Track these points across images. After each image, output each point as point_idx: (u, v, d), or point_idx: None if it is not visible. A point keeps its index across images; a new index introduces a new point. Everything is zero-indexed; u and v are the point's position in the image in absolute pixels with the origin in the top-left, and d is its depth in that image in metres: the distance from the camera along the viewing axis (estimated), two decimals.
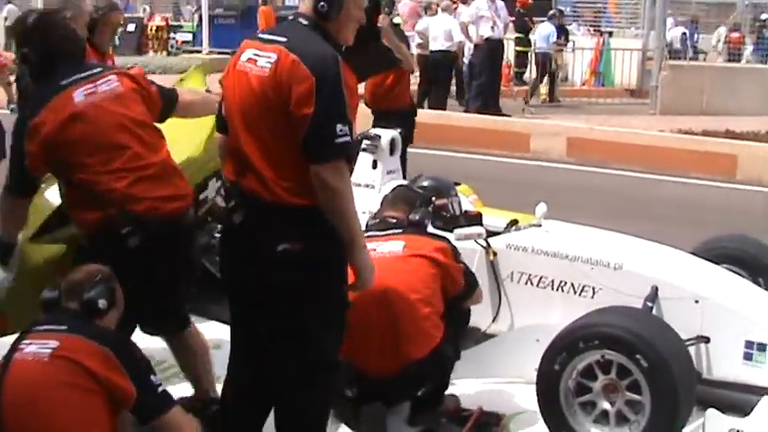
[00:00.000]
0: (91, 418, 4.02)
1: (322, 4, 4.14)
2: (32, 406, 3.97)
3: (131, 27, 29.98)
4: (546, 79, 21.01)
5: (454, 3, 19.56)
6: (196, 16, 30.85)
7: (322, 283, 4.21)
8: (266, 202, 4.09)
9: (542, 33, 21.13)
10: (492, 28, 17.34)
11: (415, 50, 20.75)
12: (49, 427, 3.97)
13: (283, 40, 4.11)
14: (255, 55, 4.15)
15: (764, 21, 26.41)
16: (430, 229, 5.81)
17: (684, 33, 25.09)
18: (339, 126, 3.98)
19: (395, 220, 5.50)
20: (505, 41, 18.89)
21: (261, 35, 4.27)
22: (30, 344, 4.11)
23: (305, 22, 4.20)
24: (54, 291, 4.39)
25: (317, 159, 3.98)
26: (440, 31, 18.10)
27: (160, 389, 4.24)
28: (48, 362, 4.02)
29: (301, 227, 4.09)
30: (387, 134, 7.05)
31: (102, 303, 4.32)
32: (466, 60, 18.56)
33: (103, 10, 6.78)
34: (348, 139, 4.02)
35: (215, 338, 5.94)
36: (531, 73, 21.23)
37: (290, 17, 4.31)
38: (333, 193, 4.01)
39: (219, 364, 4.96)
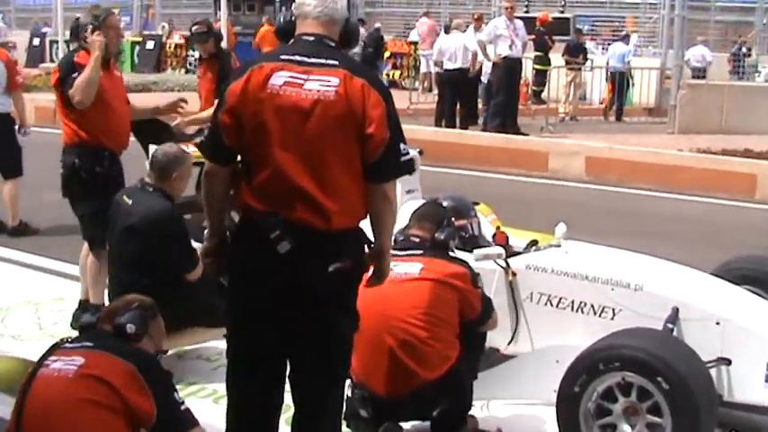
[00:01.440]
0: None
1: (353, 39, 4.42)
2: (54, 422, 3.98)
3: (150, 45, 30.14)
4: (574, 96, 21.05)
5: (478, 20, 19.64)
6: None
7: (353, 298, 4.33)
8: (319, 231, 4.10)
9: (617, 52, 21.23)
10: (510, 47, 17.32)
11: (432, 69, 20.99)
12: None
13: (335, 62, 4.13)
14: (294, 77, 4.10)
15: None
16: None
17: (736, 54, 25.04)
18: (402, 146, 4.20)
19: (418, 240, 5.48)
20: (524, 60, 18.85)
21: (288, 57, 4.17)
22: (56, 360, 4.14)
23: (332, 44, 4.25)
24: (93, 315, 4.41)
25: (386, 178, 4.21)
26: (453, 50, 18.22)
27: (183, 407, 4.26)
28: (72, 378, 4.04)
29: (348, 245, 4.21)
30: None
31: (130, 328, 4.34)
32: (484, 79, 18.58)
33: (102, 15, 6.88)
34: (410, 156, 4.26)
35: None
36: (549, 91, 21.20)
37: (308, 38, 4.24)
38: (390, 205, 4.27)
39: None
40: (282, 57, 4.19)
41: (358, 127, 4.07)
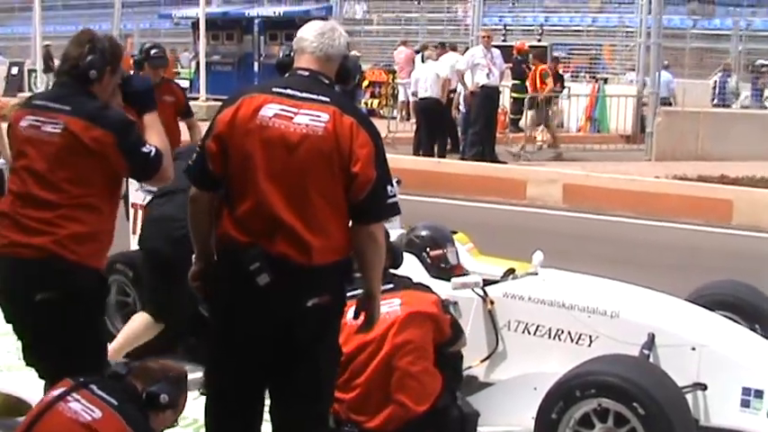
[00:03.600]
0: None
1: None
2: None
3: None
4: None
5: (450, 49, 19.82)
6: (193, 63, 31.00)
7: (336, 327, 4.36)
8: (299, 265, 4.11)
9: (661, 81, 21.59)
10: (488, 75, 17.44)
11: (410, 98, 21.10)
12: None
13: (327, 99, 4.16)
14: (285, 110, 4.13)
15: (760, 67, 26.67)
16: (416, 267, 5.97)
17: (716, 81, 25.20)
18: (389, 187, 4.20)
19: None
20: (502, 88, 18.96)
21: (280, 90, 4.21)
22: (77, 400, 4.15)
23: (326, 81, 4.28)
24: (124, 367, 4.39)
25: (373, 219, 4.20)
26: (426, 79, 18.37)
27: None
28: (82, 426, 4.05)
29: (328, 280, 4.20)
30: None
31: (163, 399, 4.33)
32: (462, 108, 18.66)
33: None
34: (396, 198, 4.25)
35: None
36: (526, 119, 21.30)
37: (303, 73, 4.28)
38: (379, 248, 4.25)
39: None
40: (275, 89, 4.23)
41: (343, 165, 4.09)
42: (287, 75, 4.36)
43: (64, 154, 4.62)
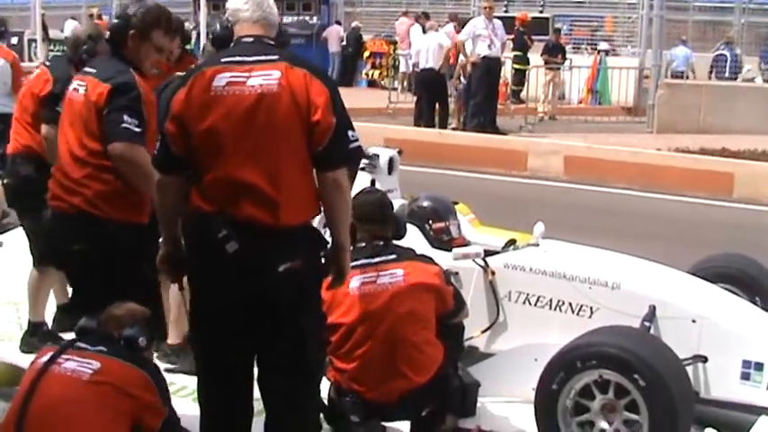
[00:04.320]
0: None
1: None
2: (63, 420, 4.00)
3: None
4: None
5: (450, 20, 19.78)
6: (194, 33, 30.89)
7: (315, 295, 4.34)
8: (267, 227, 4.10)
9: (680, 55, 21.50)
10: (489, 46, 17.37)
11: (410, 69, 21.05)
12: None
13: (275, 57, 4.19)
14: (236, 77, 4.15)
15: None
16: (417, 237, 5.94)
17: (724, 55, 25.12)
18: (350, 132, 4.23)
19: (381, 243, 5.43)
20: (503, 59, 18.90)
21: (228, 59, 4.23)
22: (69, 359, 4.15)
23: (271, 42, 4.33)
24: (92, 320, 4.40)
25: (336, 165, 4.19)
26: (427, 50, 18.32)
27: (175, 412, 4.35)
28: (86, 381, 4.07)
29: (299, 244, 4.18)
30: (385, 153, 7.06)
31: (142, 342, 4.35)
32: (463, 80, 18.62)
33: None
34: (359, 143, 4.29)
35: None
36: (528, 91, 21.28)
37: (247, 39, 4.31)
38: (343, 195, 4.25)
39: None
40: (223, 60, 4.27)
41: (303, 116, 4.11)
42: (232, 45, 4.40)
43: (85, 110, 5.02)
